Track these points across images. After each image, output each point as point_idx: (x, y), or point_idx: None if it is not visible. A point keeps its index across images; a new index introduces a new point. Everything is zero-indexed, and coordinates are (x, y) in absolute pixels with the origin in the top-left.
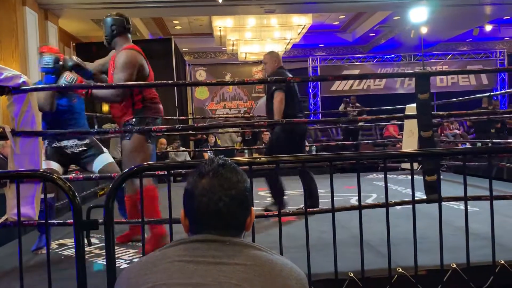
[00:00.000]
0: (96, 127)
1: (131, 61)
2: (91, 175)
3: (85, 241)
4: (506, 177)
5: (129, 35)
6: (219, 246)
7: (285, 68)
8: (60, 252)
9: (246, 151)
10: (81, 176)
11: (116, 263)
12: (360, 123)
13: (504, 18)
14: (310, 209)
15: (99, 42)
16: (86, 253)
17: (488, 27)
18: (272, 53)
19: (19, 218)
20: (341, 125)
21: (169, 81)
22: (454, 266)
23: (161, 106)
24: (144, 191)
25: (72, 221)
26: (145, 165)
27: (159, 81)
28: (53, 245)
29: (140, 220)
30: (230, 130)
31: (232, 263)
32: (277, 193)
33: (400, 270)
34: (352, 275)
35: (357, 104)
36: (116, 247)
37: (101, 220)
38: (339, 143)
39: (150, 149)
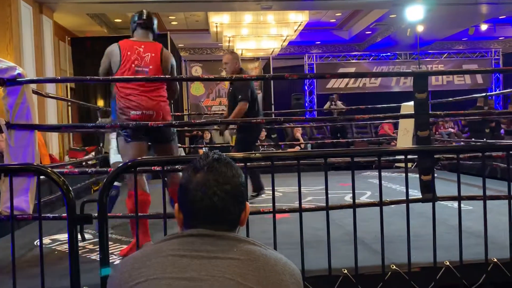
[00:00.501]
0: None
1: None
2: (86, 169)
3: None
4: (500, 176)
5: (140, 30)
6: (214, 240)
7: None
8: (53, 247)
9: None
10: (76, 170)
11: (110, 258)
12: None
13: (500, 17)
14: (305, 206)
15: (94, 37)
16: (79, 248)
17: (484, 27)
18: (233, 53)
19: (11, 213)
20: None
21: (165, 76)
22: (448, 263)
23: (140, 101)
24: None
25: (65, 215)
26: (140, 160)
27: (154, 76)
28: (46, 240)
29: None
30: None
31: (226, 258)
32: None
33: (394, 267)
34: (346, 271)
35: (338, 102)
36: (110, 243)
37: (95, 215)
38: (334, 141)
39: (136, 148)
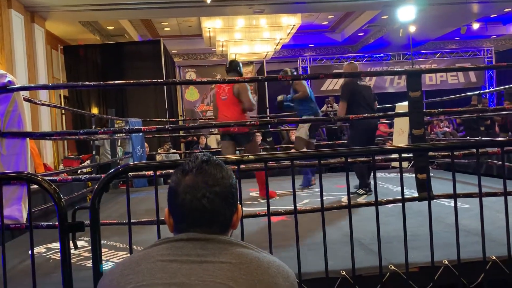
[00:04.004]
0: (93, 126)
1: None
2: (80, 177)
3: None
4: (496, 173)
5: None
6: (204, 244)
7: None
8: (48, 256)
9: (237, 151)
10: (69, 177)
11: (106, 265)
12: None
13: (491, 16)
14: (301, 208)
15: (87, 45)
16: (75, 256)
17: (476, 26)
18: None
19: (2, 223)
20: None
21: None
22: (446, 262)
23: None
24: None
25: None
26: (132, 165)
27: (148, 80)
28: (41, 248)
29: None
30: (215, 131)
31: (217, 262)
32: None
33: (392, 267)
34: (344, 273)
35: (335, 104)
36: (105, 249)
37: (87, 222)
38: (329, 142)
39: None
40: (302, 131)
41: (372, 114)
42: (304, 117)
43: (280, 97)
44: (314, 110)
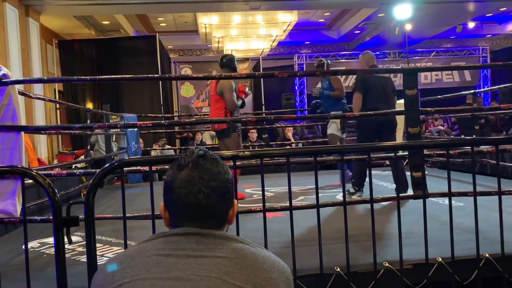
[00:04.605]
0: (88, 121)
1: None
2: (74, 171)
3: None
4: (490, 172)
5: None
6: (200, 239)
7: None
8: (42, 251)
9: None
10: (64, 172)
11: (101, 260)
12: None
13: (487, 15)
14: (296, 205)
15: (82, 40)
16: (69, 251)
17: (471, 25)
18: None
19: None
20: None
21: (154, 75)
22: (440, 259)
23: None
24: None
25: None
26: (126, 160)
27: (143, 75)
28: (35, 243)
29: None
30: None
31: (212, 256)
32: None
33: (387, 264)
34: (338, 269)
35: None
36: (100, 245)
37: (81, 217)
38: (325, 139)
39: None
40: (334, 127)
41: (374, 112)
42: (332, 113)
43: (316, 92)
44: (344, 106)
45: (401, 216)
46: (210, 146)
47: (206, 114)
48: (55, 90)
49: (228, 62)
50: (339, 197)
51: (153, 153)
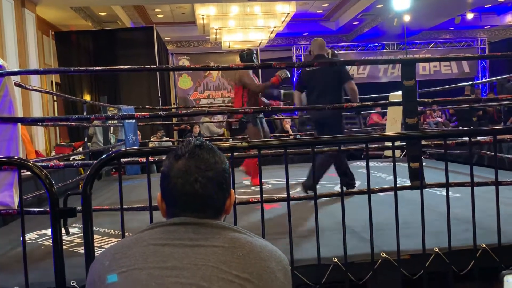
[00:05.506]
0: (85, 113)
1: None
2: (72, 163)
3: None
4: (487, 163)
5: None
6: (197, 228)
7: None
8: (40, 242)
9: (231, 140)
10: (61, 164)
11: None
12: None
13: (485, 6)
14: (294, 196)
15: (79, 31)
16: (67, 242)
17: (470, 16)
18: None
19: None
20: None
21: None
22: (437, 250)
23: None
24: None
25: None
26: (124, 151)
27: (141, 66)
28: (33, 235)
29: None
30: (207, 119)
31: (209, 246)
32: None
33: (384, 254)
34: (336, 260)
35: None
36: (98, 236)
37: (79, 208)
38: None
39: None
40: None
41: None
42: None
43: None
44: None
45: (398, 206)
46: (208, 138)
47: (204, 106)
48: (52, 82)
49: (248, 57)
50: (337, 188)
51: (151, 145)
